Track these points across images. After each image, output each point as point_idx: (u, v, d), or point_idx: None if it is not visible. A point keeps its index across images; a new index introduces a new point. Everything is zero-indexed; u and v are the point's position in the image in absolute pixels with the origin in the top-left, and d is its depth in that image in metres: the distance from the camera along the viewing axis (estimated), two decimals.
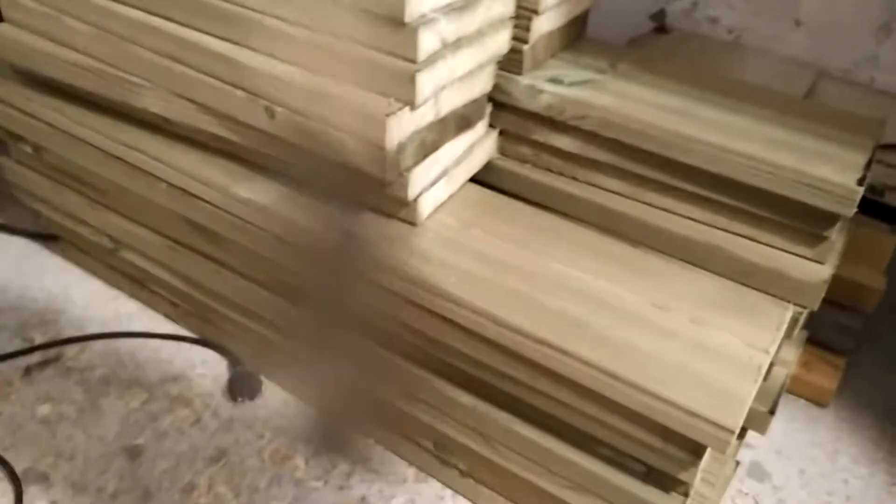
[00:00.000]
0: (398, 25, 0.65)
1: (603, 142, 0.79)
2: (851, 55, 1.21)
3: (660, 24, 1.30)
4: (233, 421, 0.88)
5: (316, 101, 0.70)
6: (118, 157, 0.87)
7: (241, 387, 0.91)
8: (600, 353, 0.65)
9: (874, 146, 0.78)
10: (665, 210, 0.80)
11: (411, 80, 0.66)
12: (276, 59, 0.73)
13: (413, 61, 0.67)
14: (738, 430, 0.60)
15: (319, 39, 0.70)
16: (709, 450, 0.64)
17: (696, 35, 1.28)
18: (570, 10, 0.87)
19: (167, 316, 1.01)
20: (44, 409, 0.88)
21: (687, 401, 0.61)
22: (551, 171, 0.85)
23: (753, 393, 0.63)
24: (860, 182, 0.71)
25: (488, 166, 0.86)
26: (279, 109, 0.73)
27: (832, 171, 0.71)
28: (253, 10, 0.73)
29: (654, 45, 1.21)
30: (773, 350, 0.68)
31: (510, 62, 0.81)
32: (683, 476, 0.67)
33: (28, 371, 0.93)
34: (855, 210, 0.70)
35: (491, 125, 0.85)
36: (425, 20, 0.66)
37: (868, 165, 0.74)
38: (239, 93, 0.75)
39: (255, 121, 0.75)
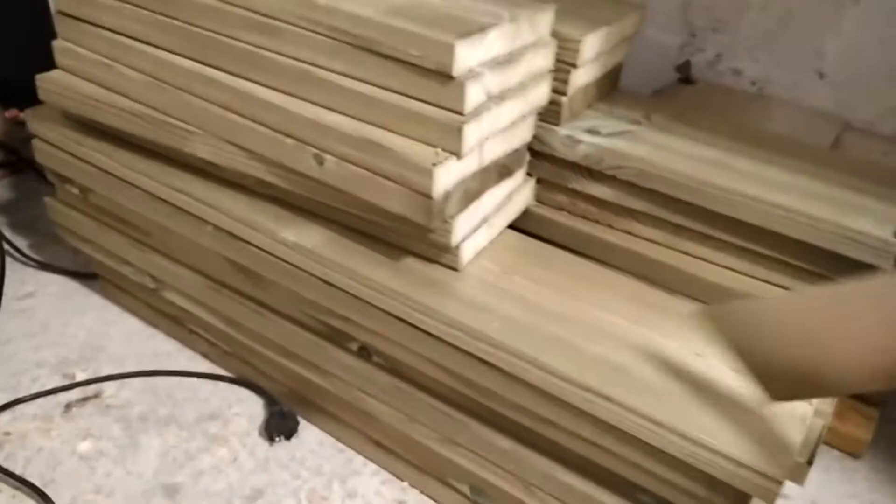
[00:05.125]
0: (446, 79, 0.68)
1: (639, 191, 0.81)
2: (874, 107, 1.23)
3: (685, 76, 1.34)
4: (269, 461, 0.89)
5: (364, 149, 0.73)
6: (165, 200, 0.90)
7: (277, 427, 0.92)
8: (643, 399, 0.65)
9: None
10: (702, 259, 0.81)
11: (458, 132, 0.69)
12: (326, 109, 0.76)
13: (460, 113, 0.69)
14: (785, 481, 0.60)
15: (369, 91, 0.73)
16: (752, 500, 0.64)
17: (720, 86, 1.31)
18: (606, 63, 0.90)
19: (204, 355, 1.03)
20: (84, 446, 0.89)
21: (733, 450, 0.61)
22: (587, 218, 0.87)
23: (799, 442, 0.63)
24: (890, 235, 0.72)
25: (525, 213, 0.88)
26: (328, 157, 0.75)
27: (869, 224, 0.73)
28: (305, 62, 0.76)
29: (681, 97, 1.24)
30: (814, 400, 0.68)
31: (549, 113, 0.84)
32: None
33: (68, 407, 0.94)
34: (893, 262, 0.72)
35: (529, 173, 0.88)
36: (472, 74, 0.69)
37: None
38: (288, 140, 0.78)
39: (303, 168, 0.78)
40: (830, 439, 0.99)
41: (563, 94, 0.84)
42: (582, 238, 0.86)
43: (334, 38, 0.73)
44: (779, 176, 0.81)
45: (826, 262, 0.75)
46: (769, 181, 0.79)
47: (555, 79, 0.82)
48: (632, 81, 1.05)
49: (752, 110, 1.22)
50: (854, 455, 0.99)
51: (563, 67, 0.83)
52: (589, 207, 0.87)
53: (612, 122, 0.88)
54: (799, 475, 0.81)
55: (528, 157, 0.86)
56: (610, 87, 0.96)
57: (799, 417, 0.66)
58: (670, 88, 1.30)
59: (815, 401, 0.68)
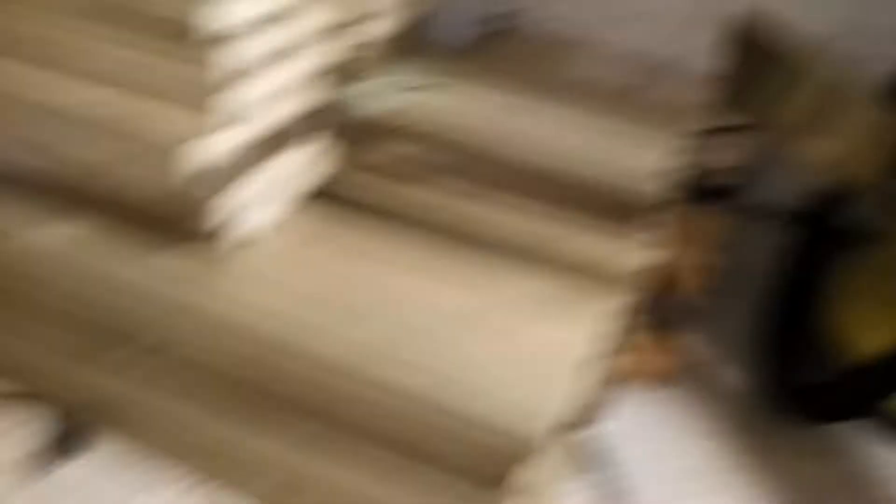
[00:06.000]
0: (191, 42, 0.60)
1: (439, 146, 0.78)
2: (680, 46, 1.26)
3: (498, 27, 1.31)
4: (50, 491, 0.78)
5: (104, 131, 0.63)
6: None
7: (59, 447, 0.81)
8: (400, 374, 0.62)
9: (696, 132, 0.81)
10: (498, 210, 0.79)
11: (208, 101, 0.61)
12: (57, 86, 0.65)
13: (209, 80, 0.61)
14: (537, 439, 0.59)
15: (110, 63, 0.63)
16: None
17: (529, 36, 1.30)
18: (404, 17, 0.84)
19: None
20: None
21: (488, 415, 0.59)
22: (391, 179, 0.82)
23: (565, 394, 0.62)
24: (681, 168, 0.73)
25: (332, 179, 0.82)
26: (59, 145, 0.65)
27: (655, 159, 0.73)
28: (39, 28, 0.64)
29: (493, 48, 1.21)
30: (595, 344, 0.68)
31: (343, 72, 0.77)
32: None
33: None
34: (678, 195, 0.73)
35: (325, 138, 0.81)
36: (223, 35, 0.61)
37: (690, 150, 0.77)
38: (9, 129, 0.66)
39: (32, 159, 0.67)
40: (638, 373, 1.02)
41: (358, 50, 0.78)
42: (385, 199, 0.81)
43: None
44: (572, 119, 0.80)
45: (610, 202, 0.74)
46: (561, 124, 0.79)
47: (348, 35, 0.76)
48: (445, 36, 1.01)
49: (563, 57, 1.21)
50: (665, 385, 1.03)
51: (354, 23, 0.76)
52: (391, 168, 0.82)
53: (411, 78, 0.84)
54: (594, 414, 0.81)
55: (324, 120, 0.79)
56: (412, 43, 0.91)
57: (574, 365, 0.64)
58: (483, 41, 1.27)
59: (594, 344, 0.67)
